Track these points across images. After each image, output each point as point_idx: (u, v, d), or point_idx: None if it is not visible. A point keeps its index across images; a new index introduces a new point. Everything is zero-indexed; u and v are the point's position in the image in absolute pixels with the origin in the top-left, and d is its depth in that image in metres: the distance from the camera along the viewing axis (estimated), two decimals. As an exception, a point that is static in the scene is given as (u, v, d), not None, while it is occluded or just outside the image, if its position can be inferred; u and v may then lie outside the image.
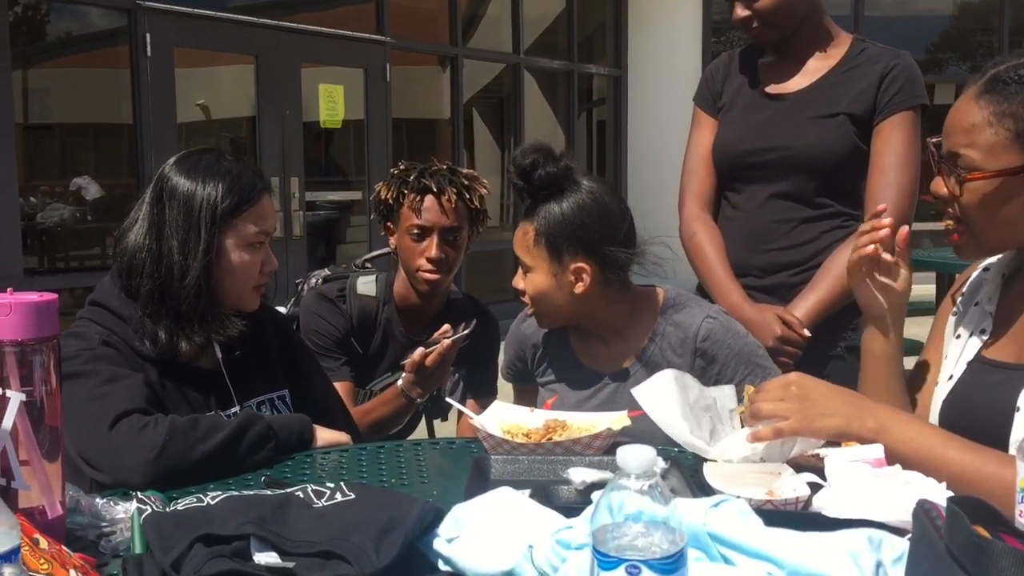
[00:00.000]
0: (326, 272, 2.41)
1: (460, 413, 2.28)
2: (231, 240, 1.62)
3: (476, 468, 1.39)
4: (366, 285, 2.29)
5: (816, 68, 2.07)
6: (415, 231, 2.18)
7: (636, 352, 1.81)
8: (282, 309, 2.29)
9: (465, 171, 2.27)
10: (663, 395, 1.41)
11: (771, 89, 2.10)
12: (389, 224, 2.27)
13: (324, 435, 1.61)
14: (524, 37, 8.61)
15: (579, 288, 1.75)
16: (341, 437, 1.63)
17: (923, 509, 0.88)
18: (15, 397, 1.07)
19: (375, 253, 2.49)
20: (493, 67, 8.81)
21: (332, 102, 6.92)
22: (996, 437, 1.28)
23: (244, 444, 1.47)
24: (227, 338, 1.63)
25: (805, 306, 1.98)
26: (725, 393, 1.49)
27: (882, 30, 9.59)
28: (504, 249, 8.46)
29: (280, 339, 1.81)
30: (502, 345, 2.10)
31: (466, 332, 2.00)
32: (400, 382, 2.06)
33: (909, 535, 0.95)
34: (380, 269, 2.41)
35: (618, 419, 1.53)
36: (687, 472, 1.34)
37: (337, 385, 2.07)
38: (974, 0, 10.81)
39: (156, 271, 1.58)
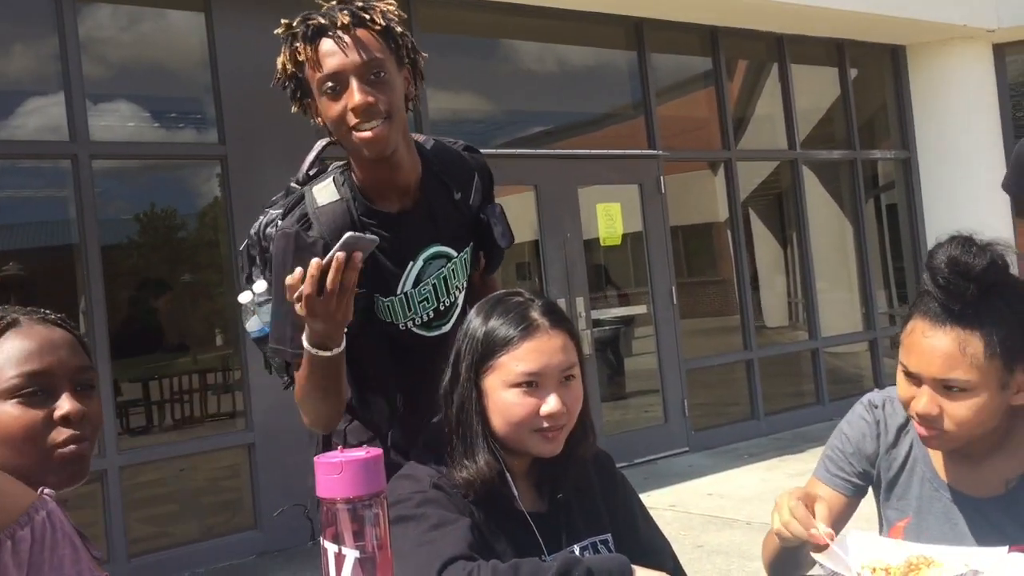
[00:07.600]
0: (272, 210, 1.92)
1: None
2: None
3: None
4: (323, 192, 1.83)
5: None
6: (328, 87, 1.72)
7: (1019, 470, 1.55)
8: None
9: None
10: None
11: None
12: (308, 100, 1.81)
13: (644, 575, 1.53)
14: (799, 131, 8.38)
15: (1019, 399, 1.48)
16: (662, 576, 1.54)
17: None
18: (350, 554, 1.09)
19: (308, 159, 1.96)
20: (768, 164, 8.62)
21: (610, 220, 7.05)
22: None
23: None
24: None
25: None
26: None
27: None
28: (800, 352, 8.09)
29: (602, 480, 1.76)
30: (844, 425, 1.74)
31: (371, 239, 1.56)
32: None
33: None
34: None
35: (994, 558, 1.32)
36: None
37: None
38: None
39: None
